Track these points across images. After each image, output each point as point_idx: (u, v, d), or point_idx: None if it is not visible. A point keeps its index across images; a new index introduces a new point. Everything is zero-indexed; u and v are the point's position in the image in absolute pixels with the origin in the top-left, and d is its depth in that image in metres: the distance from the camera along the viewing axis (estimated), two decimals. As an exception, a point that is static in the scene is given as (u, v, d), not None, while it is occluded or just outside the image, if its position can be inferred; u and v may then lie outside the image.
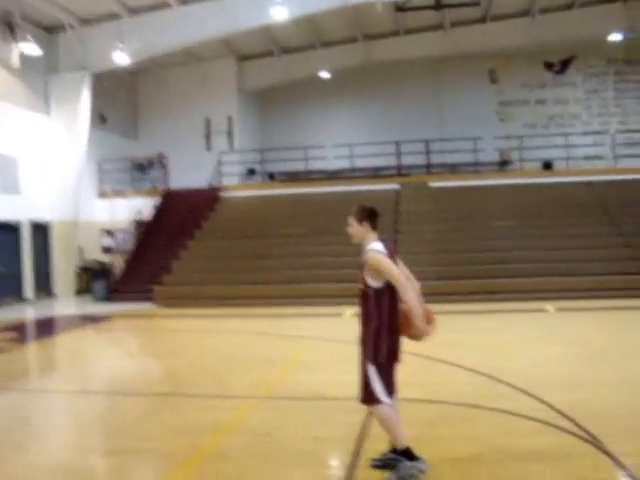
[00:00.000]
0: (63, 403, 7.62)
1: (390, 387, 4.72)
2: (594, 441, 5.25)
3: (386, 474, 4.68)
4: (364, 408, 6.25)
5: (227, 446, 5.58)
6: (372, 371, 4.64)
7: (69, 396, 7.84)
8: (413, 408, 6.07)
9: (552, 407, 6.20)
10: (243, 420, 6.42)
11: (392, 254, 4.83)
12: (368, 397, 4.68)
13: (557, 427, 5.64)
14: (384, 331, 4.67)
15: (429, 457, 4.73)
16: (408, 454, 4.65)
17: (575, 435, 5.44)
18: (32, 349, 11.83)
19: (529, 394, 6.74)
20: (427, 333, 4.68)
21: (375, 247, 4.75)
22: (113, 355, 11.20)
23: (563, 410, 6.06)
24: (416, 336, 4.69)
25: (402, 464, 4.63)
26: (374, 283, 4.70)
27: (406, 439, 4.68)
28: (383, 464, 4.89)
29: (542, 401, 6.44)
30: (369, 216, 4.88)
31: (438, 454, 5.04)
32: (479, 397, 6.73)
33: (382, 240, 4.87)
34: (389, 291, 4.70)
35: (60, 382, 8.75)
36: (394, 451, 4.85)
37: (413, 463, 4.62)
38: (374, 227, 4.88)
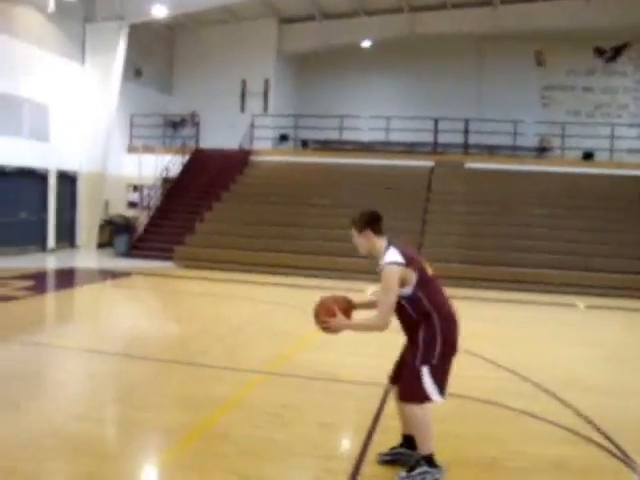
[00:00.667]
0: (66, 361, 7.37)
1: (443, 384, 4.29)
2: (625, 458, 4.83)
3: (401, 473, 4.30)
4: (377, 395, 5.95)
5: (229, 424, 5.25)
6: (425, 371, 4.20)
7: (73, 354, 7.60)
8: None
9: (579, 413, 5.78)
10: (249, 396, 6.10)
11: (412, 259, 4.29)
12: (415, 395, 4.22)
13: (583, 437, 5.22)
14: (437, 332, 4.21)
15: (443, 457, 4.37)
16: (429, 460, 4.28)
17: (603, 448, 5.02)
18: (45, 300, 11.63)
19: (555, 396, 6.33)
20: (328, 328, 4.34)
21: (391, 259, 4.19)
22: (125, 314, 10.96)
23: (591, 418, 5.64)
24: (320, 320, 4.33)
25: (420, 467, 4.26)
26: (404, 291, 4.23)
27: (433, 444, 4.31)
28: (392, 459, 4.56)
29: (568, 405, 6.02)
30: (368, 222, 4.33)
31: (452, 454, 4.67)
32: (501, 394, 6.33)
33: (396, 245, 4.31)
34: (423, 290, 4.23)
35: (67, 338, 8.50)
36: (406, 446, 4.51)
37: (432, 469, 4.26)
38: (377, 232, 4.33)
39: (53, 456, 4.49)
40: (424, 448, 4.29)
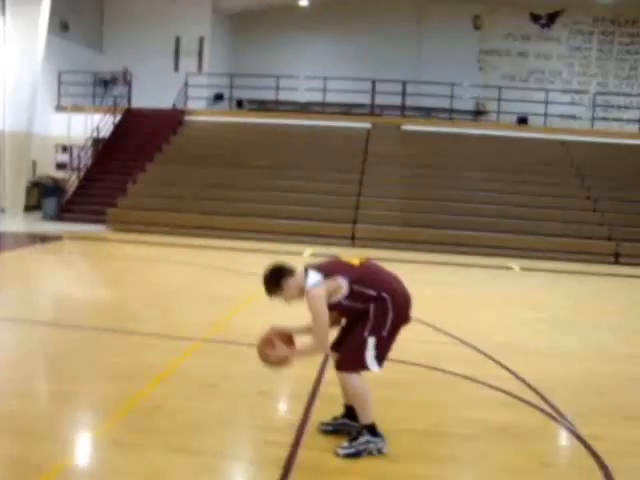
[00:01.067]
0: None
1: (385, 355, 4.18)
2: (562, 420, 4.84)
3: (343, 444, 4.18)
4: (317, 362, 5.80)
5: (162, 395, 5.02)
6: (371, 342, 4.07)
7: (-3, 323, 7.20)
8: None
9: (517, 376, 5.78)
10: (183, 366, 5.86)
11: (332, 268, 4.19)
12: (355, 364, 4.10)
13: (522, 400, 5.21)
14: (389, 307, 4.09)
15: (385, 425, 4.26)
16: (371, 429, 4.17)
17: (542, 411, 5.01)
18: (-33, 266, 11.05)
19: (493, 359, 6.33)
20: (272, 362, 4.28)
21: (309, 283, 4.05)
22: (53, 280, 10.50)
23: (529, 381, 5.64)
24: (262, 353, 4.27)
25: (362, 437, 4.14)
26: (339, 297, 4.09)
27: (373, 412, 4.19)
28: (334, 429, 4.43)
29: (506, 368, 6.02)
30: (279, 277, 4.13)
31: (395, 422, 4.57)
32: (440, 359, 6.28)
33: (311, 266, 4.19)
34: (360, 283, 4.10)
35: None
36: (348, 417, 4.39)
37: (374, 439, 4.15)
38: (290, 274, 4.14)
39: (-29, 435, 4.19)
40: (365, 417, 4.18)
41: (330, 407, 4.63)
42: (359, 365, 4.11)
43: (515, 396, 5.29)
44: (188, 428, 4.41)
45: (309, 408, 4.89)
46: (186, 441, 4.21)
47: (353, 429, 4.29)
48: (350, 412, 4.37)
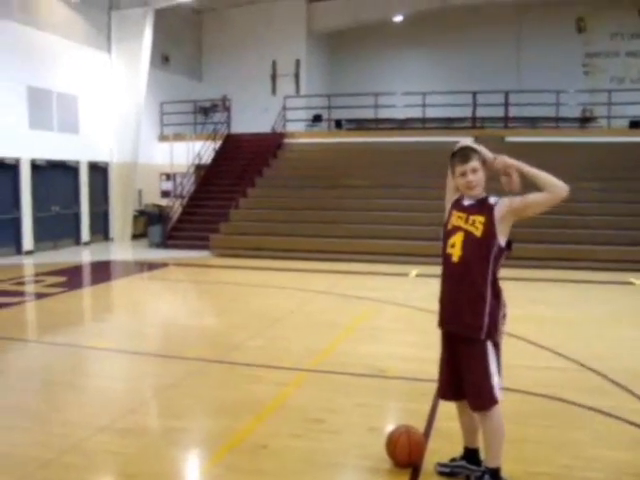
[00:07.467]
0: (94, 363, 6.98)
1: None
2: None
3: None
4: (428, 392, 5.40)
5: (267, 433, 4.76)
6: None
7: (102, 355, 7.16)
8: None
9: (657, 409, 5.18)
10: (290, 399, 5.60)
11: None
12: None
13: (667, 437, 4.64)
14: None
15: (507, 467, 3.83)
16: (496, 475, 3.75)
17: (691, 451, 4.43)
18: (77, 297, 11.22)
19: (627, 389, 5.71)
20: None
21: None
22: (158, 309, 10.53)
23: (671, 414, 5.04)
24: None
25: (484, 481, 3.75)
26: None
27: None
28: (451, 471, 4.04)
29: (643, 399, 5.43)
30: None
31: (516, 464, 4.09)
32: (566, 388, 5.73)
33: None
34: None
35: (97, 337, 8.03)
36: (467, 460, 3.99)
37: (498, 485, 3.75)
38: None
39: (73, 476, 4.06)
40: (493, 460, 3.76)
41: (448, 445, 4.24)
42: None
43: (657, 432, 4.71)
44: (295, 471, 4.13)
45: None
46: (293, 486, 3.94)
47: (472, 473, 3.91)
48: (469, 455, 3.98)
